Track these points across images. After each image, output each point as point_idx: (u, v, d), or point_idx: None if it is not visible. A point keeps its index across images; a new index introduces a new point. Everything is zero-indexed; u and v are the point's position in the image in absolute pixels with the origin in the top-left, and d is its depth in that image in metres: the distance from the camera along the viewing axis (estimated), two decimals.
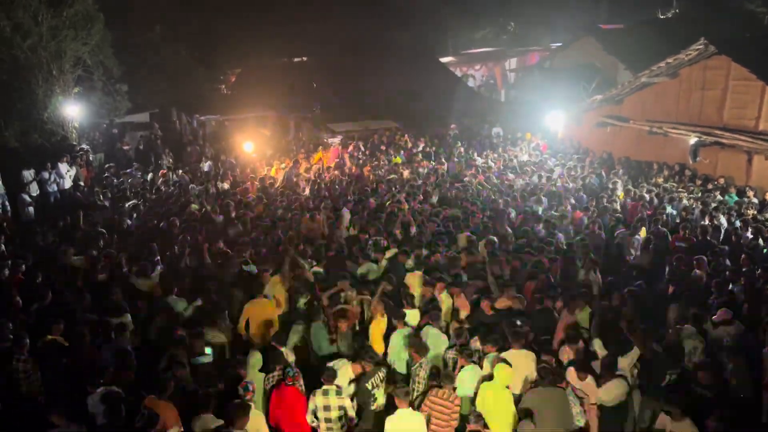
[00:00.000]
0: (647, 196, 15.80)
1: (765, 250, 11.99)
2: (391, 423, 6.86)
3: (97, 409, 6.88)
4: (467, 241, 12.15)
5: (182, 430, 6.67)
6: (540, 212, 14.72)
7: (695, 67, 18.79)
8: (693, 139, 18.37)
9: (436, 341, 8.44)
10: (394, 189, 16.79)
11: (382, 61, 32.48)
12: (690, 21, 29.38)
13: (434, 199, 15.89)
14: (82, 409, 6.99)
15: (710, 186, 16.93)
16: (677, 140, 19.12)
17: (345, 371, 7.69)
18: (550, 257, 11.46)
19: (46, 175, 18.23)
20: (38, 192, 18.03)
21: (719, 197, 15.81)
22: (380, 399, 7.82)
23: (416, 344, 7.96)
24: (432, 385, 7.43)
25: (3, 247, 12.54)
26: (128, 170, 20.42)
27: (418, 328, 8.86)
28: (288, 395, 7.28)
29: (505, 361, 7.50)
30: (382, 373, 7.86)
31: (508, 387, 7.35)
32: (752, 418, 7.59)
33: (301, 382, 7.64)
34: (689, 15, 32.70)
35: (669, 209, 14.76)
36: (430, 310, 9.00)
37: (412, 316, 9.11)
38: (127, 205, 15.69)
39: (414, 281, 10.20)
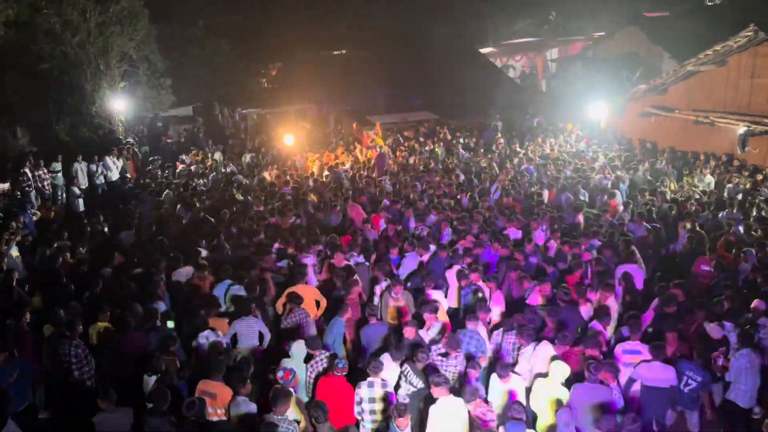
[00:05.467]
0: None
1: None
2: (435, 410, 6.85)
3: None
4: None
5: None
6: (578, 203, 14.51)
7: (744, 55, 18.22)
8: (742, 129, 17.83)
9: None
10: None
11: (421, 53, 32.36)
12: (739, 7, 28.39)
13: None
14: (130, 394, 7.24)
15: (760, 177, 16.40)
16: (725, 130, 18.58)
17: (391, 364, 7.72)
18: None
19: (93, 167, 18.72)
20: (87, 184, 18.52)
21: None
22: None
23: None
24: None
25: (56, 237, 12.94)
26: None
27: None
28: (336, 385, 7.31)
29: (560, 358, 7.46)
30: None
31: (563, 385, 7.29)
32: None
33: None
34: (738, 1, 31.61)
35: None
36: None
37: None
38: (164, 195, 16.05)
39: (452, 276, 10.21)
